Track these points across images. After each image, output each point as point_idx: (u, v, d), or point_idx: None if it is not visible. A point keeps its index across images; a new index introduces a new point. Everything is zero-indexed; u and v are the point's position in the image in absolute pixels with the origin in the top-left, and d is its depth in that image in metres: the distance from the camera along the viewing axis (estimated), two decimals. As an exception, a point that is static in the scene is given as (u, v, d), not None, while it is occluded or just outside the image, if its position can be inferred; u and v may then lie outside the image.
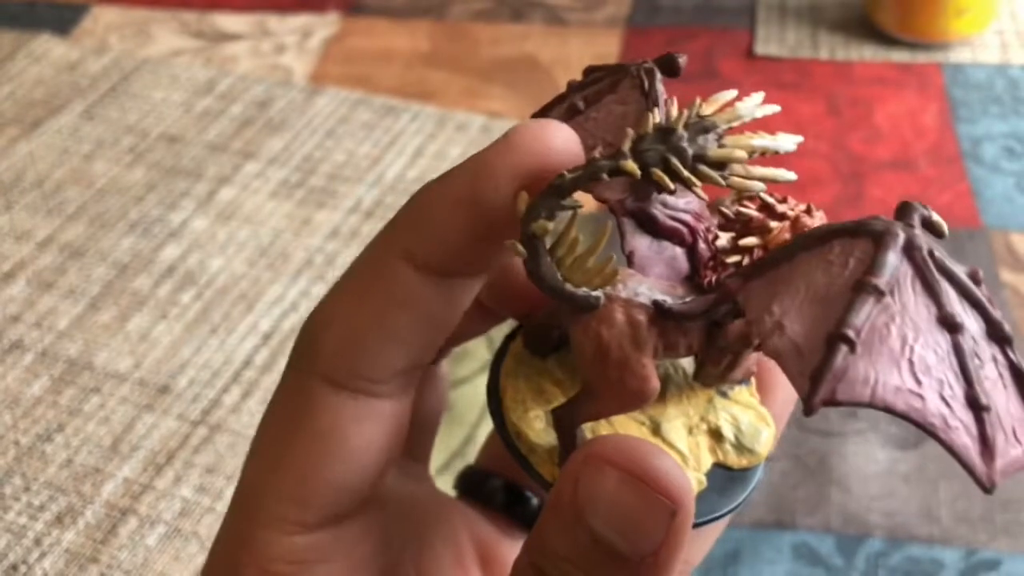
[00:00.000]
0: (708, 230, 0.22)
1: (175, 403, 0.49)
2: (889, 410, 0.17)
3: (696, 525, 0.19)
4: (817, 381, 0.17)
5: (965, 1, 0.66)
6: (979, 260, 0.54)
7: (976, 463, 0.17)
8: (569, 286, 0.19)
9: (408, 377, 0.20)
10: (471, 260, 0.19)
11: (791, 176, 0.19)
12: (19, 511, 0.45)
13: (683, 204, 0.21)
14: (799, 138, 0.20)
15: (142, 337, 0.53)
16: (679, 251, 0.21)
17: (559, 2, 0.78)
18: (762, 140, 0.20)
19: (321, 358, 0.19)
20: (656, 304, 0.19)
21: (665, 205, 0.21)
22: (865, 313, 0.17)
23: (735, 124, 0.19)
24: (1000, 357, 0.18)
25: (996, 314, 0.18)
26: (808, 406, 0.17)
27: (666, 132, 0.19)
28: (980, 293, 0.18)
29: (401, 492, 0.23)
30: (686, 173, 0.18)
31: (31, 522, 0.45)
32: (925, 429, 0.17)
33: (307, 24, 0.77)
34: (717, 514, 0.22)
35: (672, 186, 0.19)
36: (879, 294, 0.17)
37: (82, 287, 0.56)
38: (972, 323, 0.18)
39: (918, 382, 0.17)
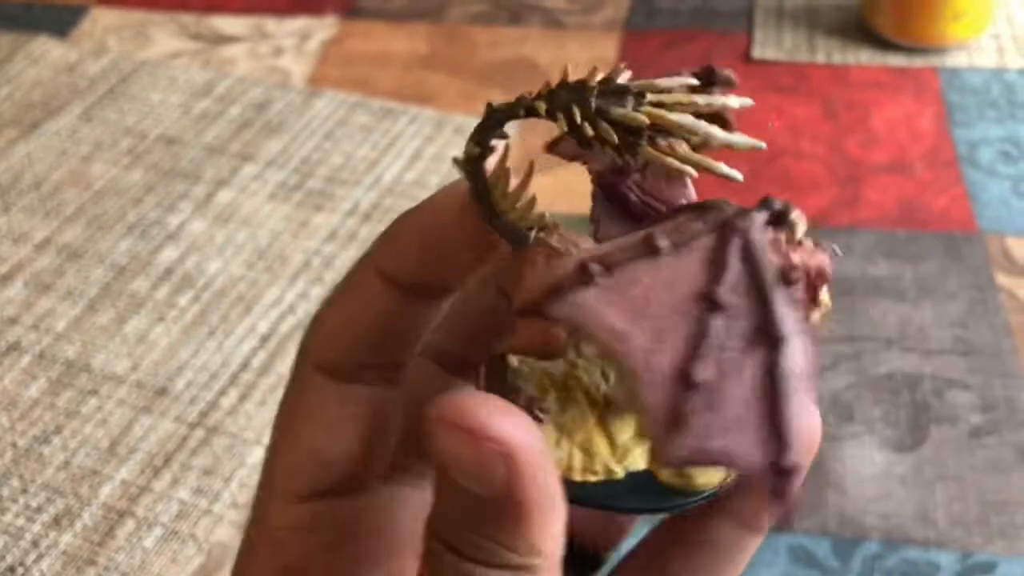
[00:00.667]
0: None
1: (173, 405, 0.49)
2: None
3: (581, 504, 0.20)
4: (674, 429, 0.16)
5: (962, 5, 0.67)
6: (975, 264, 0.54)
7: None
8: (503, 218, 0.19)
9: (382, 371, 0.22)
10: (428, 276, 0.22)
11: (726, 170, 0.19)
12: (16, 513, 0.45)
13: (666, 193, 0.21)
14: (755, 143, 0.19)
15: (140, 339, 0.53)
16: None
17: (557, 5, 0.78)
18: (687, 121, 0.19)
19: (312, 350, 0.22)
20: (582, 265, 0.18)
21: (643, 189, 0.21)
22: (715, 341, 0.17)
23: (653, 96, 0.19)
24: (761, 358, 0.17)
25: (779, 314, 0.17)
26: (664, 458, 0.16)
27: (579, 85, 0.19)
28: (776, 290, 0.17)
29: (396, 488, 0.23)
30: (586, 125, 0.18)
31: (28, 524, 0.45)
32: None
33: (305, 27, 0.77)
34: (608, 503, 0.21)
35: (587, 135, 0.19)
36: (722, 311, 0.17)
37: (80, 289, 0.56)
38: (742, 313, 0.17)
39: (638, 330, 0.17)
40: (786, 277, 0.17)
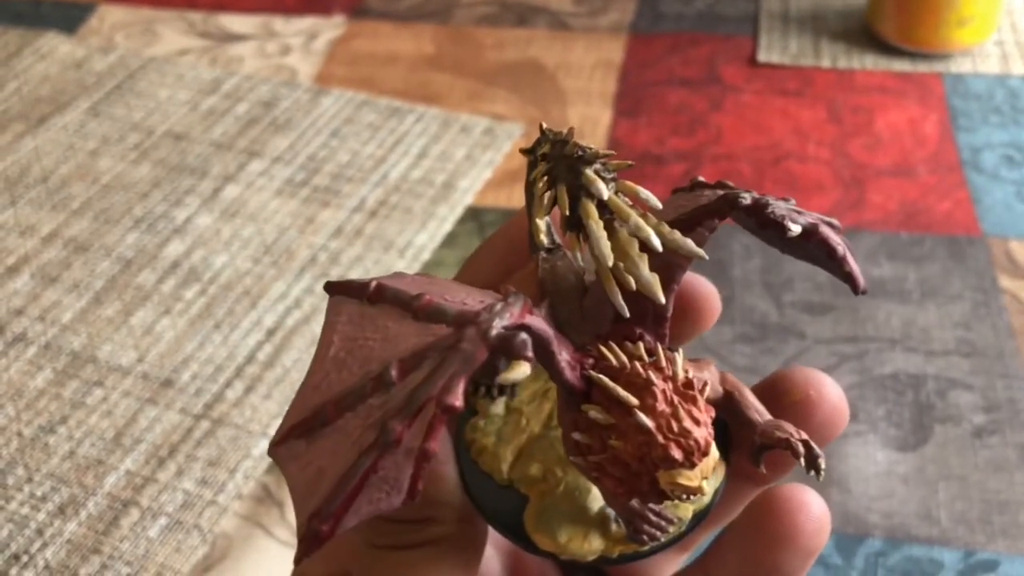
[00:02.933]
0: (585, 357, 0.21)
1: (178, 397, 0.49)
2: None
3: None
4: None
5: (967, 12, 0.67)
6: (978, 266, 0.55)
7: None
8: None
9: None
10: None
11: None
12: (22, 501, 0.45)
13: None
14: (697, 251, 0.20)
15: (146, 331, 0.53)
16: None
17: (563, 7, 0.78)
18: (637, 220, 0.20)
19: None
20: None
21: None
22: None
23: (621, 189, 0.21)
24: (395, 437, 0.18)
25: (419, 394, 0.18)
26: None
27: (575, 161, 0.21)
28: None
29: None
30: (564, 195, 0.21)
31: (33, 512, 0.45)
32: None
33: (313, 26, 0.77)
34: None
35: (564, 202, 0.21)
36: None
37: (86, 281, 0.56)
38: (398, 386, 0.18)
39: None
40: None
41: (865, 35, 0.72)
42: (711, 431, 0.20)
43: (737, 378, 0.23)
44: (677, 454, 0.19)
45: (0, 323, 0.54)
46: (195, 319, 0.53)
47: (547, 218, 0.22)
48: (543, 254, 0.23)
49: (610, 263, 0.20)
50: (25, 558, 0.43)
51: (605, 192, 0.20)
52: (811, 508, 0.22)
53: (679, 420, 0.19)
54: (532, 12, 0.78)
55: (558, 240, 0.23)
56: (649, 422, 0.19)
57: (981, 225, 0.57)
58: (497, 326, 0.18)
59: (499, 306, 0.18)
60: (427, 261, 0.56)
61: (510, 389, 0.25)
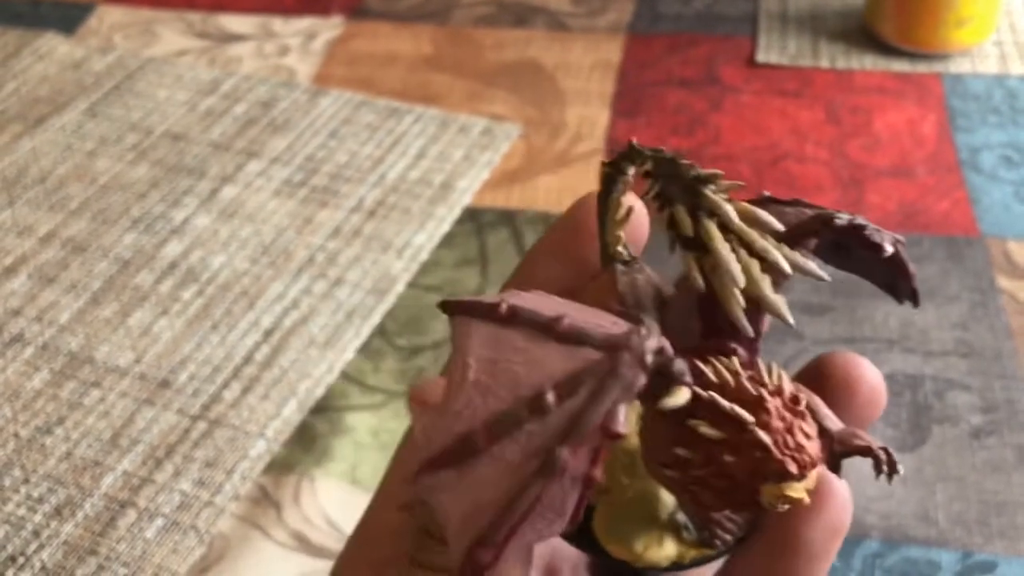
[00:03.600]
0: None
1: (175, 398, 0.49)
2: None
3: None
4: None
5: (965, 12, 0.67)
6: (976, 267, 0.55)
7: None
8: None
9: None
10: None
11: (782, 312, 0.21)
12: (18, 503, 0.45)
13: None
14: (819, 273, 0.21)
15: (143, 332, 0.53)
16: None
17: (561, 8, 0.78)
18: (764, 246, 0.21)
19: None
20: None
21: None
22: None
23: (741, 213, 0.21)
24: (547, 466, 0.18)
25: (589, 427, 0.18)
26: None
27: (692, 181, 0.21)
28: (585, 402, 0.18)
29: None
30: (686, 221, 0.21)
31: (30, 514, 0.45)
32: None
33: (311, 26, 0.77)
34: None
35: (685, 231, 0.21)
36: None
37: (84, 282, 0.56)
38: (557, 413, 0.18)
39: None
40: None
41: (864, 35, 0.72)
42: (820, 445, 0.20)
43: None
44: (793, 468, 0.19)
45: (-3, 324, 0.54)
46: (193, 320, 0.53)
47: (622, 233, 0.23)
48: (620, 267, 0.23)
49: (743, 285, 0.20)
50: (22, 560, 0.43)
51: (735, 216, 0.20)
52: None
53: (794, 435, 0.20)
54: (530, 12, 0.78)
55: (635, 253, 0.24)
56: (767, 438, 0.19)
57: (979, 225, 0.57)
58: (649, 350, 0.18)
59: (644, 330, 0.18)
60: (425, 261, 0.56)
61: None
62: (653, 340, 0.18)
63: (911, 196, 0.59)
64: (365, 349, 0.52)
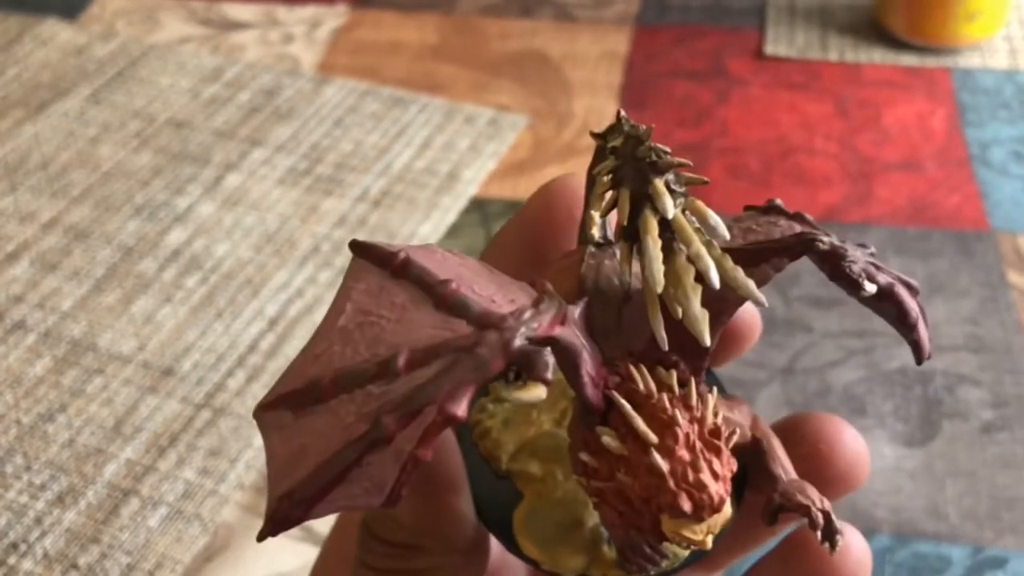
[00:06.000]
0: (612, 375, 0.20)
1: (179, 386, 0.49)
2: None
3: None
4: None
5: (975, 6, 0.67)
6: (987, 262, 0.54)
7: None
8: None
9: None
10: None
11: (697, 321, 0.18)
12: (20, 490, 0.45)
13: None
14: (757, 297, 0.19)
15: (146, 320, 0.52)
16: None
17: (568, -1, 0.78)
18: (703, 251, 0.18)
19: None
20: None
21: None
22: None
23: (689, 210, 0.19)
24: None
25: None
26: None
27: (644, 165, 0.19)
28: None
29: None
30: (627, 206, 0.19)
31: (32, 501, 0.44)
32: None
33: (316, 15, 0.76)
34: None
35: (624, 209, 0.19)
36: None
37: (86, 269, 0.55)
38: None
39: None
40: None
41: (873, 29, 0.72)
42: (728, 488, 0.18)
43: (764, 423, 0.22)
44: (687, 506, 0.17)
45: (-1, 310, 0.53)
46: (196, 308, 0.53)
47: (597, 214, 0.20)
48: (591, 248, 0.21)
49: (659, 289, 0.18)
50: (24, 547, 0.42)
51: (671, 211, 0.18)
52: (851, 550, 0.20)
53: (697, 471, 0.18)
54: (537, 3, 0.77)
55: (611, 237, 0.22)
56: (664, 465, 0.17)
57: (989, 220, 0.57)
58: (522, 336, 0.16)
59: (528, 313, 0.17)
60: (431, 251, 0.56)
61: (525, 377, 0.24)
62: (535, 327, 0.17)
63: (921, 190, 0.59)
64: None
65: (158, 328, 0.52)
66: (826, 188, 0.59)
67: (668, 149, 0.19)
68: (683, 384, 0.19)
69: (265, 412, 0.18)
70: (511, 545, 0.21)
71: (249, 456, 0.46)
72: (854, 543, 0.20)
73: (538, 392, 0.17)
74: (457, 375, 0.16)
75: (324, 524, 0.43)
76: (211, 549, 0.43)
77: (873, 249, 0.21)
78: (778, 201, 0.21)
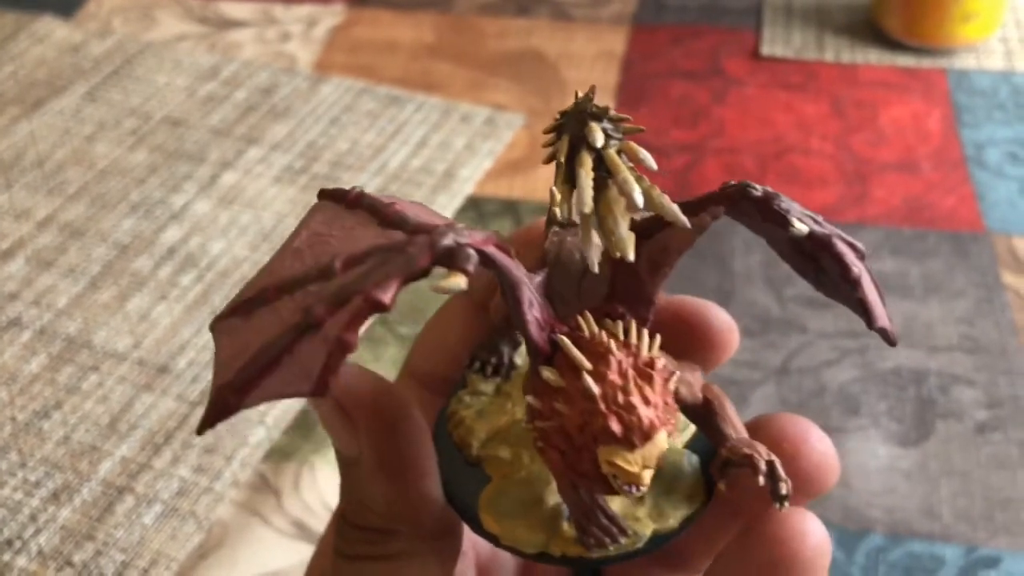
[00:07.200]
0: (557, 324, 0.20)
1: (174, 383, 0.49)
2: None
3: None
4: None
5: (971, 7, 0.67)
6: (982, 262, 0.54)
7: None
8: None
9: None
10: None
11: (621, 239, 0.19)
12: (15, 487, 0.45)
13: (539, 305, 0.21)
14: (679, 217, 0.19)
15: (142, 317, 0.52)
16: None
17: (565, -2, 0.78)
18: (630, 178, 0.20)
19: (408, 361, 0.26)
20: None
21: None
22: None
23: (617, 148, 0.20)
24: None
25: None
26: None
27: (583, 115, 0.20)
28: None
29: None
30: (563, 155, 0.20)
31: (27, 498, 0.44)
32: None
33: (312, 13, 0.76)
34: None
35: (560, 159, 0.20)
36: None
37: (82, 266, 0.55)
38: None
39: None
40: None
41: (869, 30, 0.72)
42: (662, 417, 0.18)
43: (725, 383, 0.22)
44: (616, 427, 0.18)
45: (-6, 307, 0.53)
46: (192, 306, 0.53)
47: (558, 192, 0.21)
48: (556, 228, 0.22)
49: (587, 210, 0.19)
50: (18, 544, 0.42)
51: (600, 140, 0.19)
52: (809, 536, 0.20)
53: (627, 394, 0.18)
54: (533, 2, 0.77)
55: (576, 219, 0.23)
56: (595, 388, 0.18)
57: (985, 221, 0.57)
58: (450, 239, 0.17)
59: (463, 226, 0.18)
60: (427, 250, 0.56)
61: (505, 371, 0.24)
62: (466, 236, 0.18)
63: (916, 191, 0.59)
64: (366, 336, 0.51)
65: (153, 326, 0.52)
66: (822, 188, 0.59)
67: (610, 107, 0.20)
68: (628, 332, 0.20)
69: (219, 323, 0.19)
70: (475, 525, 0.21)
71: (244, 454, 0.46)
72: (812, 529, 0.20)
73: (457, 281, 0.17)
74: (385, 268, 0.17)
75: (320, 522, 0.43)
76: (206, 547, 0.43)
77: (822, 218, 0.21)
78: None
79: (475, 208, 0.59)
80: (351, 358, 0.17)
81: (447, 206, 0.59)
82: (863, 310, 0.20)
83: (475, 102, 0.67)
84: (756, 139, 0.63)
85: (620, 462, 0.18)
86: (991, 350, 0.50)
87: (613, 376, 0.18)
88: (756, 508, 0.21)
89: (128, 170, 0.62)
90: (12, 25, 0.75)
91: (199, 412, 0.47)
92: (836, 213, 0.58)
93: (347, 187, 0.20)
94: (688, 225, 0.19)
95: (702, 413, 0.21)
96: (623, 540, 0.20)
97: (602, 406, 0.18)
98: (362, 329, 0.17)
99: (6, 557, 0.42)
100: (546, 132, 0.21)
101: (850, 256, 0.20)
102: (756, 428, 0.22)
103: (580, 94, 0.21)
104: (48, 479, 0.45)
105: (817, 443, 0.21)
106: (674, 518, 0.21)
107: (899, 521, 0.43)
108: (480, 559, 0.26)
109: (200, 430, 0.18)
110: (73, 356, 0.50)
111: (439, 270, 0.18)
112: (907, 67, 0.69)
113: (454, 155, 0.62)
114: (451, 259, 0.17)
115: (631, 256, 0.19)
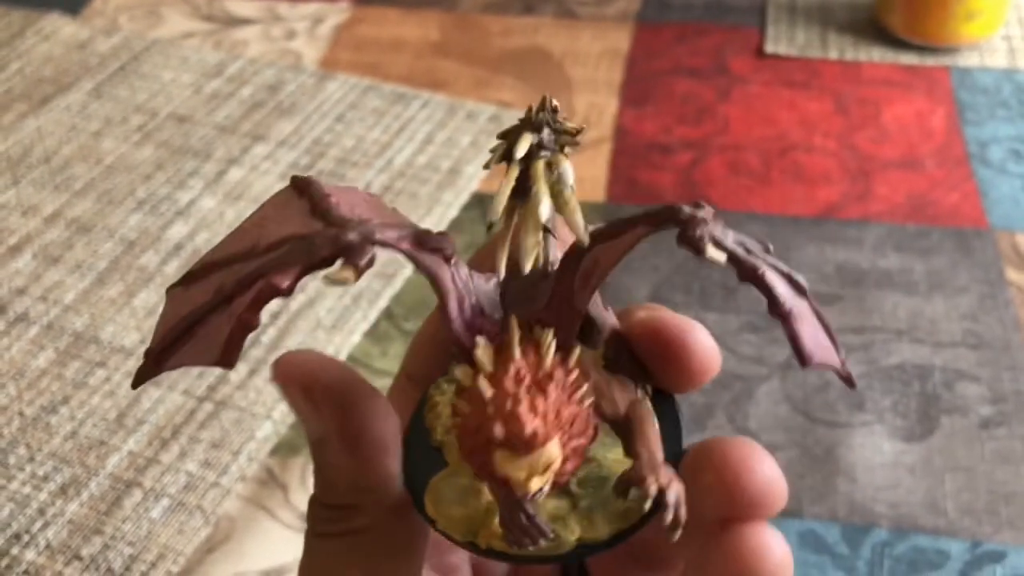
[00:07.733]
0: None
1: (181, 378, 0.49)
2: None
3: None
4: None
5: (975, 6, 0.67)
6: (985, 259, 0.54)
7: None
8: None
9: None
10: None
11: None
12: (23, 481, 0.45)
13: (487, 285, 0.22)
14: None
15: (149, 313, 0.52)
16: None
17: (570, -4, 0.78)
18: (545, 198, 0.21)
19: (404, 361, 0.26)
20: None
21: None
22: None
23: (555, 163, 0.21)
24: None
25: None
26: None
27: (537, 125, 0.21)
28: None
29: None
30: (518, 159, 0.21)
31: (35, 492, 0.44)
32: None
33: (318, 11, 0.77)
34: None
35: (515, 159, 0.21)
36: None
37: (89, 262, 0.55)
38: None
39: None
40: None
41: (873, 28, 0.72)
42: (552, 428, 0.18)
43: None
44: (499, 433, 0.18)
45: (2, 303, 0.53)
46: (199, 301, 0.53)
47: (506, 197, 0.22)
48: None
49: (494, 218, 0.20)
50: (26, 537, 0.43)
51: (521, 152, 0.21)
52: (771, 552, 0.19)
53: (516, 402, 0.18)
54: (539, 0, 0.78)
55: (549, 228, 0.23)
56: (487, 391, 0.18)
57: (988, 218, 0.57)
58: (357, 235, 0.18)
59: (377, 223, 0.19)
60: (432, 246, 0.56)
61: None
62: (379, 234, 0.18)
63: (920, 188, 0.59)
64: (372, 333, 0.52)
65: (160, 321, 0.52)
66: (826, 185, 0.60)
67: (563, 118, 0.21)
68: (539, 342, 0.20)
69: (170, 290, 0.21)
70: (418, 504, 0.22)
71: (251, 448, 0.46)
72: (774, 545, 0.19)
73: (345, 275, 0.18)
74: (291, 257, 0.18)
75: (326, 516, 0.44)
76: (213, 541, 0.43)
77: (771, 247, 0.20)
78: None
79: (480, 205, 0.59)
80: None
81: (452, 203, 0.59)
82: (792, 346, 0.19)
83: (480, 100, 0.67)
84: (760, 136, 0.63)
85: (510, 469, 0.18)
86: (995, 346, 0.50)
87: (507, 383, 0.18)
88: (711, 526, 0.20)
89: (134, 166, 0.62)
90: (19, 22, 0.75)
91: (206, 407, 0.48)
92: (840, 210, 0.58)
93: (313, 178, 0.21)
94: (586, 242, 0.20)
95: (620, 430, 0.21)
96: (543, 543, 0.20)
97: (490, 410, 0.18)
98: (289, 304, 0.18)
99: (15, 551, 0.42)
100: (499, 137, 0.22)
101: (780, 288, 0.19)
102: (700, 452, 0.21)
103: (550, 102, 0.22)
104: (56, 473, 0.45)
105: (759, 466, 0.20)
106: (604, 530, 0.21)
107: (904, 516, 0.43)
108: (474, 558, 0.26)
109: (133, 386, 0.20)
110: (80, 351, 0.50)
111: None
112: (910, 65, 0.69)
113: (459, 152, 0.63)
114: (349, 254, 0.18)
115: (528, 266, 0.20)
